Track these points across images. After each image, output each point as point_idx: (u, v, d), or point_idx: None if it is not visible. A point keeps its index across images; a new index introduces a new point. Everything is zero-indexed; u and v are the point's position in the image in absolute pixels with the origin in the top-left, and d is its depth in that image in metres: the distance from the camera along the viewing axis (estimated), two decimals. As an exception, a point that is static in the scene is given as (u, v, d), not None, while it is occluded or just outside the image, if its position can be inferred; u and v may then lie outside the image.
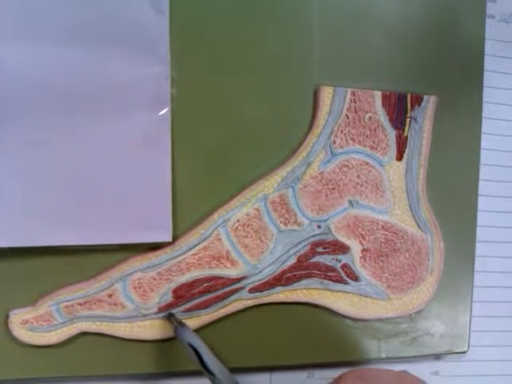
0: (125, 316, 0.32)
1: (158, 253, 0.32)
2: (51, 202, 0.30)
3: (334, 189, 0.34)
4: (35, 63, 0.29)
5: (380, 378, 0.27)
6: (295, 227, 0.34)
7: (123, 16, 0.30)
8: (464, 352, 0.38)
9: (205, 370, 0.29)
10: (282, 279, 0.34)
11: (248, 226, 0.33)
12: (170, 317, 0.32)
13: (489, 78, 0.38)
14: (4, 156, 0.29)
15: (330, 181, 0.34)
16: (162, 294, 0.32)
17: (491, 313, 0.40)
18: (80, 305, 0.31)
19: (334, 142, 0.34)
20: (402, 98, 0.35)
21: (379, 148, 0.35)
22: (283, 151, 0.34)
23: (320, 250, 0.34)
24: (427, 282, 0.36)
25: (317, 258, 0.34)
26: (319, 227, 0.34)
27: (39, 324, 0.31)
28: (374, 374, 0.28)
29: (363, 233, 0.35)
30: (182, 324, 0.31)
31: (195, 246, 0.32)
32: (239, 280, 0.33)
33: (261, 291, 0.33)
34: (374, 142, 0.35)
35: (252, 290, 0.33)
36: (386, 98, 0.34)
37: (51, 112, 0.30)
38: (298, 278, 0.34)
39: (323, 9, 0.34)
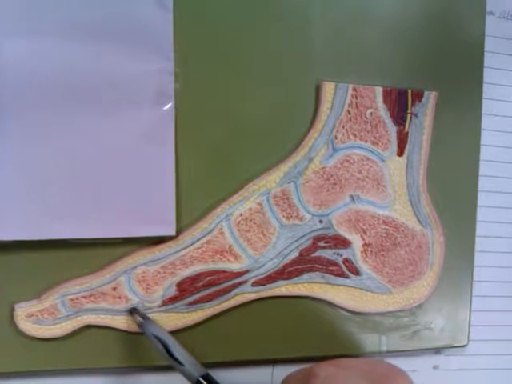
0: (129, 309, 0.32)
1: (162, 246, 0.32)
2: (56, 195, 0.30)
3: (335, 184, 0.35)
4: (39, 58, 0.29)
5: (355, 365, 0.28)
6: (297, 222, 0.34)
7: (127, 12, 0.30)
8: (464, 346, 0.39)
9: (173, 360, 0.29)
10: (284, 273, 0.34)
11: (251, 220, 0.33)
12: (132, 312, 0.32)
13: (489, 75, 0.38)
14: (8, 151, 0.30)
15: (332, 176, 0.34)
16: (166, 288, 0.32)
17: (491, 307, 0.40)
18: (85, 298, 0.32)
19: (336, 138, 0.34)
20: (402, 94, 0.35)
21: (380, 143, 0.35)
22: (285, 146, 0.34)
23: (322, 244, 0.35)
24: (427, 276, 0.37)
25: (319, 253, 0.35)
26: (321, 222, 0.34)
27: (44, 317, 0.31)
28: (349, 362, 0.29)
29: (364, 227, 0.35)
30: (145, 317, 0.31)
31: (198, 239, 0.33)
32: (242, 274, 0.33)
33: (263, 285, 0.34)
34: (375, 138, 0.35)
35: (254, 284, 0.34)
36: (387, 94, 0.35)
37: (56, 107, 0.30)
38: (300, 272, 0.34)
39: (325, 6, 0.34)
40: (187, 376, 0.29)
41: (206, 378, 0.29)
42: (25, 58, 0.29)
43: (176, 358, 0.29)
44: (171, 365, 0.30)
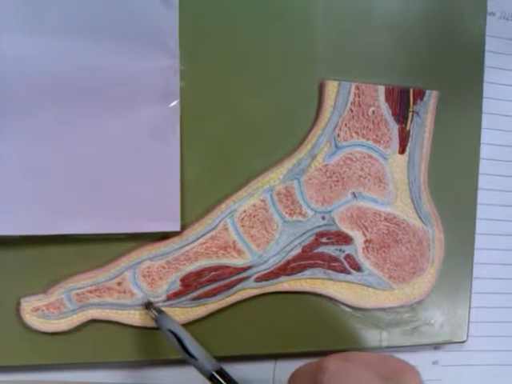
0: (134, 303, 0.32)
1: (167, 242, 0.33)
2: (62, 191, 0.31)
3: (338, 181, 0.35)
4: (44, 57, 0.30)
5: (364, 359, 0.28)
6: (300, 218, 0.34)
7: (133, 10, 0.31)
8: (463, 342, 0.39)
9: (187, 354, 0.30)
10: (286, 269, 0.35)
11: (254, 216, 0.34)
12: (148, 306, 0.32)
13: (489, 74, 0.39)
14: (14, 148, 0.30)
15: (334, 173, 0.35)
16: (171, 283, 0.33)
17: (490, 304, 0.41)
18: (90, 292, 0.32)
19: (339, 135, 0.35)
20: (404, 93, 0.36)
21: (382, 141, 0.36)
22: (289, 144, 0.35)
23: (324, 240, 0.35)
24: (428, 272, 0.37)
25: (321, 249, 0.35)
26: (323, 218, 0.35)
27: (50, 311, 0.32)
28: (359, 356, 0.29)
29: (366, 224, 0.36)
30: (161, 312, 0.32)
31: (203, 235, 0.33)
32: (245, 269, 0.34)
33: (266, 280, 0.34)
34: (377, 136, 0.35)
35: (258, 280, 0.34)
36: (389, 93, 0.35)
37: (62, 105, 0.30)
38: (303, 268, 0.35)
39: (328, 6, 0.35)
40: (201, 370, 0.29)
41: (220, 372, 0.29)
42: (31, 57, 0.29)
43: (190, 353, 0.30)
44: (185, 359, 0.30)
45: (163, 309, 0.33)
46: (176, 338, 0.30)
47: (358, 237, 0.36)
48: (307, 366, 0.29)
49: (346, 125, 0.35)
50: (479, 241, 0.39)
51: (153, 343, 0.33)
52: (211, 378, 0.29)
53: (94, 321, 0.32)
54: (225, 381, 0.29)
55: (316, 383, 0.26)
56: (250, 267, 0.34)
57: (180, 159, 0.32)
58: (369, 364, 0.27)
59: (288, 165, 0.34)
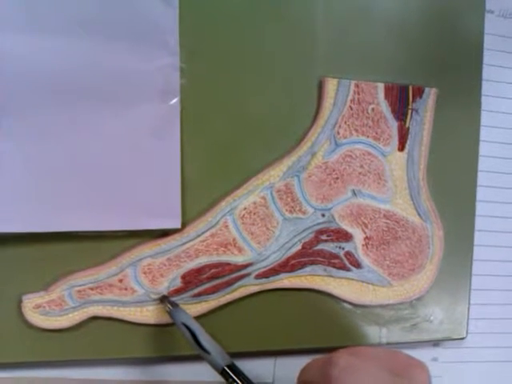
0: (135, 300, 0.33)
1: (168, 239, 0.33)
2: (64, 189, 0.31)
3: (337, 178, 0.35)
4: (46, 57, 0.30)
5: (374, 354, 0.28)
6: (300, 215, 0.35)
7: (134, 9, 0.31)
8: (462, 338, 0.39)
9: (200, 348, 0.30)
10: (286, 266, 0.35)
11: (254, 213, 0.34)
12: (163, 299, 0.33)
13: (488, 72, 0.39)
14: (15, 146, 0.30)
15: (334, 170, 0.35)
16: (171, 280, 0.33)
17: (489, 301, 0.41)
18: (91, 289, 0.32)
19: (338, 133, 0.35)
20: (403, 90, 0.36)
21: (382, 139, 0.36)
22: (289, 141, 0.35)
23: (324, 237, 0.35)
24: (427, 269, 0.37)
25: (321, 246, 0.35)
26: (323, 215, 0.35)
27: (51, 308, 0.32)
28: (368, 351, 0.29)
29: (366, 221, 0.36)
30: (175, 305, 0.32)
31: (203, 232, 0.33)
32: (245, 266, 0.34)
33: (266, 277, 0.34)
34: (376, 133, 0.36)
35: (258, 277, 0.34)
36: (388, 90, 0.36)
37: (64, 103, 0.30)
38: (303, 265, 0.35)
39: (328, 5, 0.35)
40: (213, 364, 0.29)
41: (232, 367, 0.29)
42: (31, 57, 0.30)
43: (203, 347, 0.30)
44: (198, 353, 0.30)
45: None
46: (190, 332, 0.30)
47: (357, 234, 0.36)
48: (316, 362, 0.29)
49: (345, 122, 0.35)
50: (478, 238, 0.40)
51: (154, 340, 0.33)
52: (223, 372, 0.29)
53: (95, 318, 0.32)
54: (236, 376, 0.29)
55: (326, 378, 0.26)
56: (250, 264, 0.34)
57: (180, 156, 0.32)
58: (378, 359, 0.27)
59: (288, 162, 0.34)
